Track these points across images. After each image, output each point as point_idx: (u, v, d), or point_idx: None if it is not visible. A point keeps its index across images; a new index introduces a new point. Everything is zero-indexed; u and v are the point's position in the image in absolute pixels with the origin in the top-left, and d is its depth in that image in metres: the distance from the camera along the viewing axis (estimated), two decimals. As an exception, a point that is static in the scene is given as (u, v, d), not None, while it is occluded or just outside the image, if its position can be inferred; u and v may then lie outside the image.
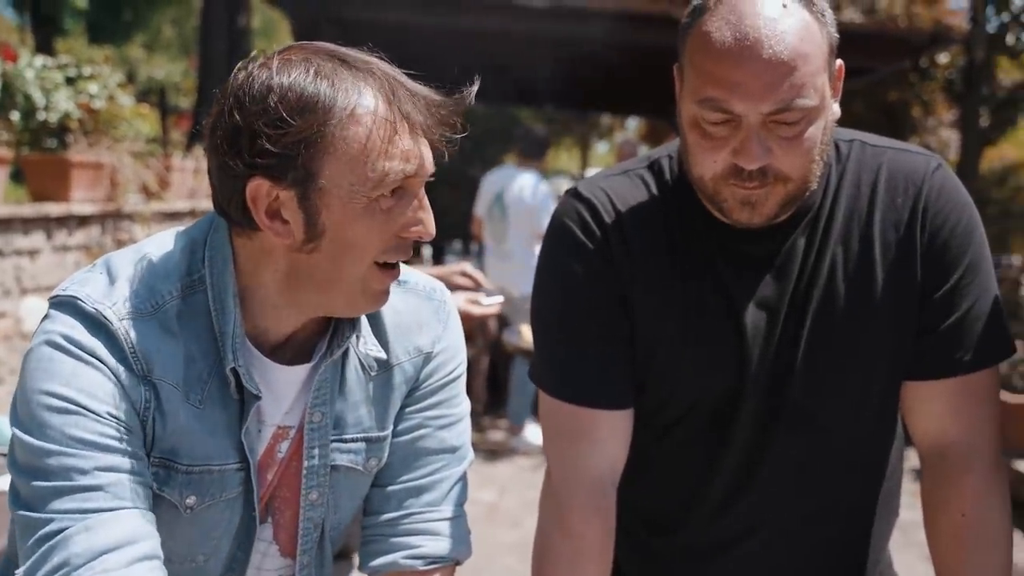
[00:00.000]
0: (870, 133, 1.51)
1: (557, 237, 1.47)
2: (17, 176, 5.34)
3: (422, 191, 1.21)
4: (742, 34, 1.25)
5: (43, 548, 1.10)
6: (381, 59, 1.20)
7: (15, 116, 5.07)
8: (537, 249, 1.57)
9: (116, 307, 1.17)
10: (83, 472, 1.12)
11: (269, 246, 1.20)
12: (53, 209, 4.71)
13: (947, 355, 1.39)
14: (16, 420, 1.16)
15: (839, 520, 1.51)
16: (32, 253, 4.59)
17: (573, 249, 1.44)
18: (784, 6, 1.27)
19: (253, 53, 1.20)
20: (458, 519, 1.40)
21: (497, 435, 6.41)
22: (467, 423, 1.43)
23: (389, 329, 1.35)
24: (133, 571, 1.10)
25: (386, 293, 1.25)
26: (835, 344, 1.39)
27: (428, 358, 1.37)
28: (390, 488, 1.38)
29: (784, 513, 1.47)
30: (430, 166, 1.19)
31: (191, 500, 1.22)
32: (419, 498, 1.37)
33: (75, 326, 1.16)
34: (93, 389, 1.14)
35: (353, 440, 1.33)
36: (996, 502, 1.39)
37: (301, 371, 1.28)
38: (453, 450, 1.40)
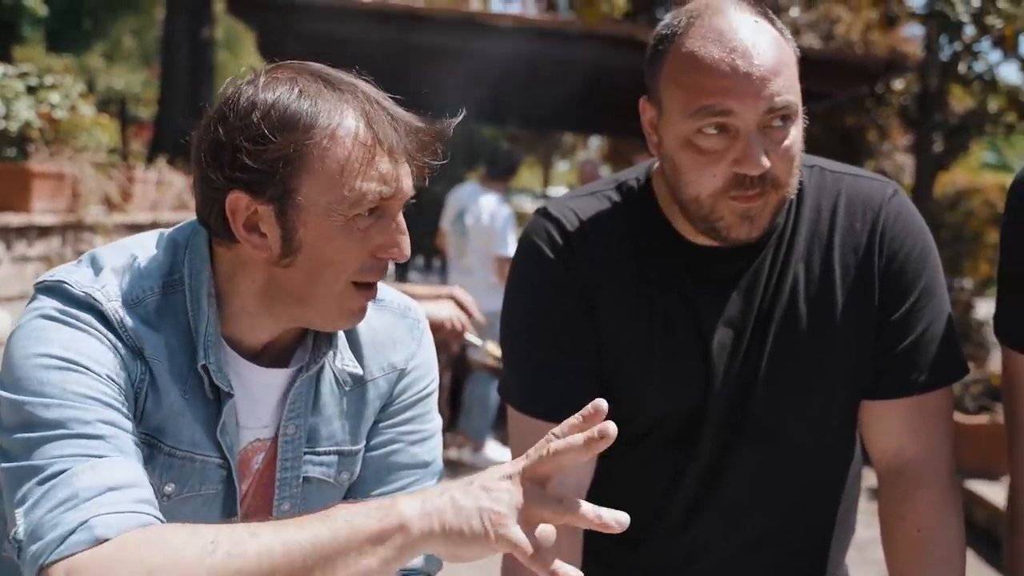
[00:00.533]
0: (827, 157, 1.56)
1: (526, 254, 1.50)
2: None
3: (399, 214, 1.22)
4: (729, 46, 1.31)
5: (46, 487, 1.06)
6: (367, 82, 1.22)
7: (-26, 125, 5.01)
8: (496, 268, 1.59)
9: (105, 290, 1.18)
10: (85, 422, 1.10)
11: (247, 257, 1.22)
12: (13, 219, 4.66)
13: (903, 375, 1.43)
14: (2, 385, 1.14)
15: (798, 536, 1.55)
16: (-9, 263, 4.54)
17: (541, 266, 1.47)
18: (756, 22, 1.34)
19: (243, 69, 1.23)
20: None
21: (458, 452, 6.41)
22: (439, 439, 1.45)
23: (364, 345, 1.37)
24: (140, 509, 1.07)
25: (362, 311, 1.26)
26: (796, 363, 1.43)
27: (402, 374, 1.39)
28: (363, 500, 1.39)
29: (745, 529, 1.51)
30: (408, 189, 1.21)
31: (170, 488, 1.22)
32: None
33: (65, 304, 1.17)
34: (93, 353, 1.14)
35: (326, 453, 1.35)
36: (951, 517, 1.44)
37: (278, 375, 1.30)
38: (425, 465, 1.41)
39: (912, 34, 10.29)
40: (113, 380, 1.15)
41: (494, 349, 2.79)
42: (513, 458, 1.51)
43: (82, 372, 1.13)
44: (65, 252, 5.17)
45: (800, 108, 1.36)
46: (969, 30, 6.72)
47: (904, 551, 1.44)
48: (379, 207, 1.19)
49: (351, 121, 1.16)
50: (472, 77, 8.91)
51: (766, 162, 1.32)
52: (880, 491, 1.49)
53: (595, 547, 1.55)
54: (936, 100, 7.90)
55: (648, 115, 1.40)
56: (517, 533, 1.02)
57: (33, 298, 1.21)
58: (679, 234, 1.44)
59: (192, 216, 1.28)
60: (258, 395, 1.29)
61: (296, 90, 1.16)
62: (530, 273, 1.49)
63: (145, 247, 1.26)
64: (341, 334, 1.33)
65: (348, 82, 1.20)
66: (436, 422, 1.45)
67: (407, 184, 1.21)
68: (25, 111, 5.09)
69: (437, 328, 2.20)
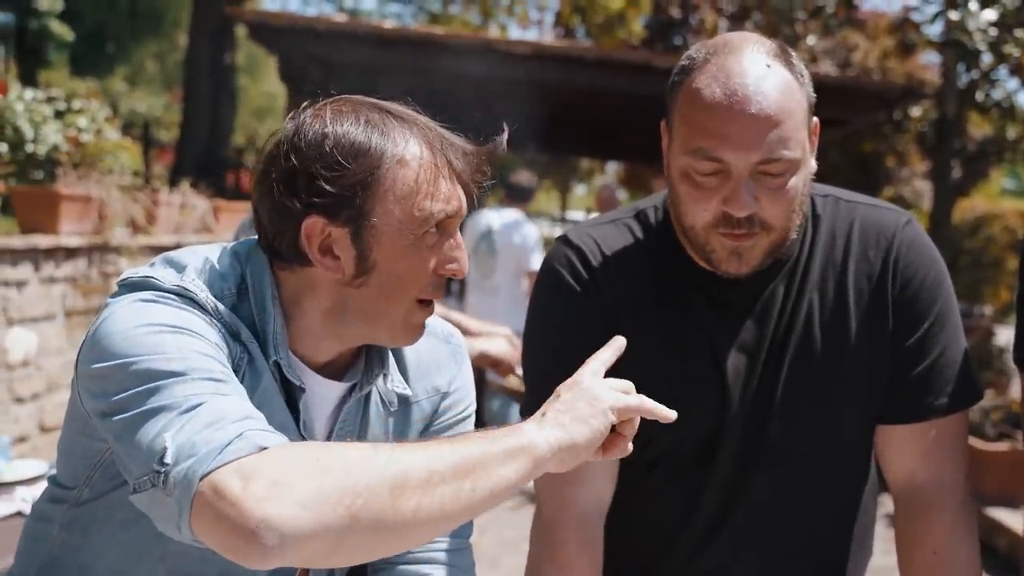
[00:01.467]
0: (845, 183, 1.59)
1: (548, 281, 1.54)
2: (4, 208, 5.36)
3: (458, 232, 1.30)
4: (731, 90, 1.33)
5: (188, 416, 1.03)
6: (419, 112, 1.30)
7: (3, 148, 5.10)
8: (524, 285, 1.64)
9: (195, 283, 1.22)
10: (209, 371, 1.09)
11: (315, 280, 1.26)
12: (42, 241, 4.73)
13: (918, 400, 1.46)
14: (101, 357, 1.12)
15: (814, 557, 1.57)
16: (19, 284, 4.60)
17: (563, 292, 1.51)
18: (768, 66, 1.35)
19: (304, 104, 1.29)
20: (463, 551, 1.45)
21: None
22: None
23: (411, 368, 1.42)
24: (277, 437, 1.03)
25: (423, 328, 1.33)
26: (811, 388, 1.46)
27: (444, 397, 1.45)
28: None
29: (761, 550, 1.53)
30: (464, 208, 1.29)
31: None
32: None
33: (157, 294, 1.19)
34: (199, 328, 1.16)
35: None
36: (966, 539, 1.46)
37: (334, 387, 1.34)
38: None
39: (929, 61, 10.31)
40: (221, 350, 1.17)
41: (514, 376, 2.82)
42: (536, 480, 1.54)
43: (195, 336, 1.14)
44: (91, 273, 5.24)
45: (804, 155, 1.37)
46: (986, 58, 6.74)
47: (921, 572, 1.46)
48: (442, 224, 1.26)
49: (416, 147, 1.24)
50: (489, 102, 8.98)
51: (752, 206, 1.35)
52: (896, 514, 1.51)
53: (616, 567, 1.58)
54: (954, 127, 7.90)
55: (664, 139, 1.45)
56: (627, 400, 1.22)
57: (116, 294, 1.22)
58: (695, 261, 1.48)
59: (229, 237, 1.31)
60: (317, 404, 1.33)
61: (363, 120, 1.23)
62: (552, 299, 1.53)
63: (214, 254, 1.30)
64: (392, 357, 1.39)
65: (406, 112, 1.28)
66: None
67: (464, 203, 1.28)
68: (53, 135, 5.17)
69: (495, 364, 2.28)
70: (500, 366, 2.30)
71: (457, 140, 1.29)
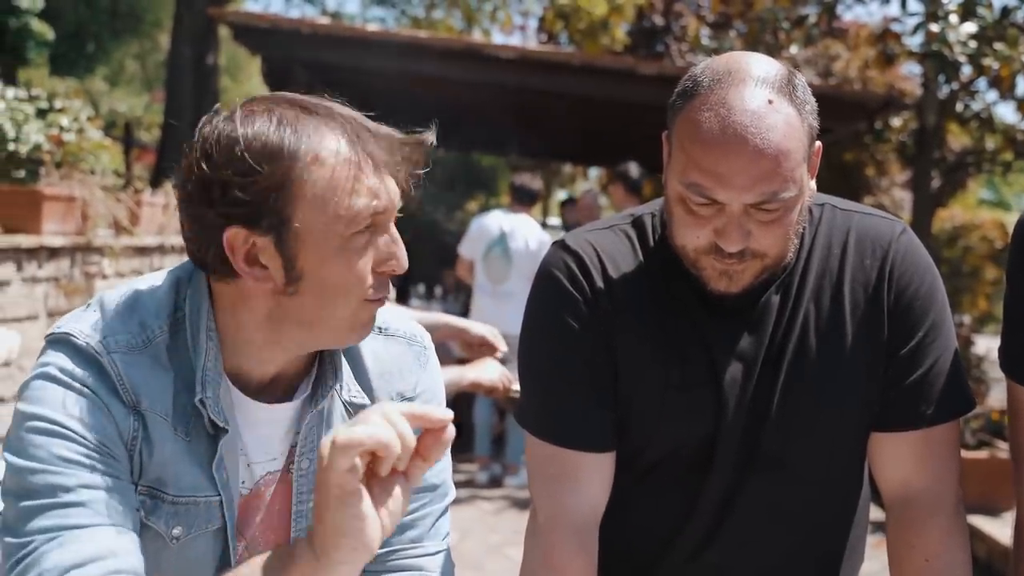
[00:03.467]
0: (826, 192, 1.60)
1: (545, 287, 1.54)
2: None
3: (392, 227, 1.24)
4: (729, 129, 1.31)
5: (17, 569, 1.10)
6: (342, 104, 1.24)
7: (-16, 147, 5.04)
8: None
9: (107, 341, 1.21)
10: (66, 489, 1.14)
11: (248, 290, 1.23)
12: (24, 241, 4.68)
13: (912, 408, 1.47)
14: (8, 446, 1.19)
15: (810, 563, 1.58)
16: (2, 284, 4.55)
17: (560, 298, 1.51)
18: (770, 102, 1.33)
19: (216, 106, 1.24)
20: (441, 555, 1.44)
21: (458, 477, 6.43)
22: (448, 461, 1.47)
23: (372, 376, 1.39)
24: None
25: (372, 322, 1.28)
26: (806, 395, 1.47)
27: (408, 400, 1.41)
28: None
29: (756, 556, 1.54)
30: (397, 202, 1.23)
31: (177, 531, 1.25)
32: (403, 535, 1.40)
33: (68, 360, 1.20)
34: (82, 415, 1.17)
35: None
36: (958, 547, 1.47)
37: (283, 410, 1.32)
38: (434, 488, 1.44)
39: (910, 72, 10.40)
40: (103, 444, 1.17)
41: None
42: (531, 483, 1.54)
43: (69, 436, 1.16)
44: (74, 274, 5.19)
45: (801, 189, 1.36)
46: (966, 70, 6.81)
47: (912, 580, 1.47)
48: (372, 223, 1.21)
49: (332, 142, 1.18)
50: (473, 107, 8.99)
51: (744, 242, 1.35)
52: (888, 521, 1.52)
53: (610, 572, 1.58)
54: (934, 137, 7.98)
55: (664, 150, 1.45)
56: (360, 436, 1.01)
57: (43, 350, 1.23)
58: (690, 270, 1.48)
59: None
60: (265, 431, 1.31)
61: (274, 119, 1.17)
62: (548, 305, 1.53)
63: (152, 287, 1.28)
64: (346, 367, 1.35)
65: (324, 106, 1.22)
66: None
67: (395, 196, 1.23)
68: (35, 134, 5.13)
69: (490, 391, 2.30)
70: (495, 392, 2.31)
71: (382, 130, 1.23)
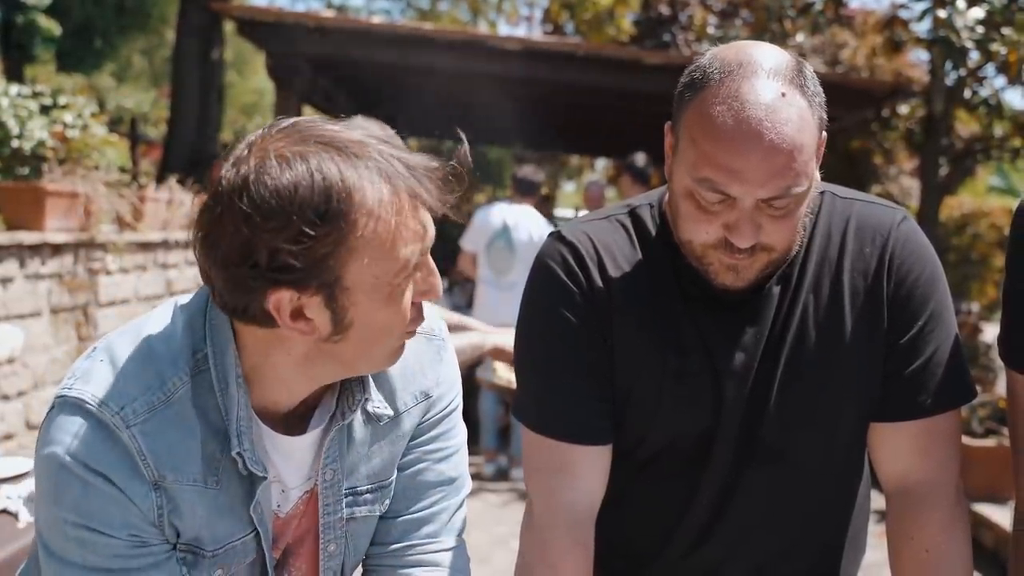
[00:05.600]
0: (833, 180, 1.58)
1: (540, 278, 1.53)
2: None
3: (429, 256, 1.21)
4: (744, 123, 1.28)
5: None
6: (368, 131, 1.18)
7: (-12, 144, 5.05)
8: None
9: (124, 412, 1.16)
10: None
11: (286, 336, 1.18)
12: (27, 237, 4.69)
13: (912, 398, 1.45)
14: (38, 525, 1.20)
15: (809, 556, 1.57)
16: (5, 281, 4.56)
17: (555, 290, 1.49)
18: (783, 95, 1.30)
19: (236, 146, 1.15)
20: (457, 548, 1.45)
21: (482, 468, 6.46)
22: (464, 453, 1.47)
23: (395, 379, 1.37)
24: None
25: (403, 347, 1.27)
26: (806, 386, 1.45)
27: (430, 398, 1.41)
28: (392, 520, 1.41)
29: (756, 548, 1.53)
30: (433, 232, 1.20)
31: (219, 573, 1.25)
32: (420, 530, 1.41)
33: (81, 438, 1.15)
34: (102, 515, 1.15)
35: (368, 491, 1.37)
36: (959, 537, 1.45)
37: (312, 437, 1.30)
38: (451, 481, 1.44)
39: (917, 59, 10.33)
40: (133, 535, 1.16)
41: (503, 371, 2.82)
42: (527, 476, 1.53)
43: (96, 540, 1.15)
44: (77, 270, 5.20)
45: (811, 182, 1.34)
46: (974, 56, 6.76)
47: (912, 571, 1.46)
48: (416, 263, 1.19)
49: (376, 191, 1.12)
50: (479, 99, 8.97)
51: (755, 237, 1.34)
52: (888, 512, 1.51)
53: (607, 566, 1.57)
54: (941, 125, 7.92)
55: (668, 141, 1.42)
56: None
57: (54, 413, 1.18)
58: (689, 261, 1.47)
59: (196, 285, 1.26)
60: (297, 458, 1.30)
61: (316, 173, 1.10)
62: (544, 296, 1.51)
63: (162, 327, 1.23)
64: (370, 380, 1.33)
65: (357, 141, 1.15)
66: (460, 437, 1.48)
67: (432, 229, 1.20)
68: (39, 131, 5.13)
69: (511, 358, 2.28)
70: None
71: (418, 160, 1.17)
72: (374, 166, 1.13)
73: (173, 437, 1.18)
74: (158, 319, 1.24)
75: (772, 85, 1.31)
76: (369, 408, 1.33)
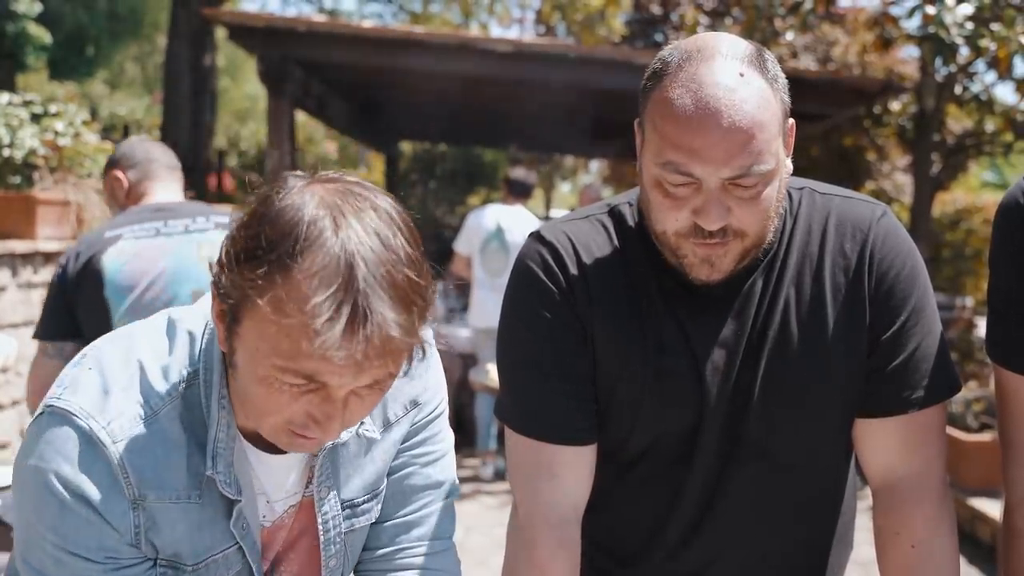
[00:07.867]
0: (826, 177, 1.58)
1: (521, 279, 1.52)
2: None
3: (344, 399, 1.11)
4: (703, 103, 1.30)
5: None
6: (386, 241, 1.09)
7: (-22, 153, 5.04)
8: None
9: (111, 426, 1.16)
10: None
11: None
12: (18, 246, 4.68)
13: (896, 393, 1.45)
14: (19, 532, 1.19)
15: (797, 553, 1.57)
16: (-4, 290, 4.56)
17: (536, 290, 1.49)
18: (741, 75, 1.32)
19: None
20: (447, 552, 1.45)
21: (462, 473, 6.43)
22: (451, 455, 1.47)
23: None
24: None
25: (304, 448, 1.19)
26: (789, 383, 1.45)
27: (417, 404, 1.41)
28: (381, 524, 1.42)
29: (743, 546, 1.52)
30: (362, 382, 1.09)
31: None
32: (409, 533, 1.41)
33: (66, 454, 1.14)
34: (78, 537, 1.15)
35: (365, 502, 1.37)
36: (945, 532, 1.45)
37: (296, 456, 1.30)
38: (439, 485, 1.44)
39: (909, 55, 10.34)
40: (110, 558, 1.16)
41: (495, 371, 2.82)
42: (511, 477, 1.53)
43: (74, 558, 1.15)
44: (69, 278, 5.18)
45: (779, 164, 1.34)
46: (964, 52, 6.77)
47: (898, 567, 1.46)
48: (317, 385, 1.09)
49: (329, 325, 1.02)
50: (472, 101, 8.98)
51: (723, 219, 1.34)
52: (874, 507, 1.51)
53: (594, 566, 1.57)
54: (933, 120, 7.94)
55: (637, 139, 1.43)
56: None
57: (40, 423, 1.18)
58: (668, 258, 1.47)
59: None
60: (281, 474, 1.30)
61: (306, 215, 1.06)
62: (525, 297, 1.51)
63: (155, 340, 1.23)
64: None
65: (349, 265, 1.05)
66: (447, 440, 1.47)
67: (356, 380, 1.08)
68: (30, 139, 5.12)
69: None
70: None
71: (386, 319, 1.05)
72: (346, 297, 1.03)
73: (158, 452, 1.18)
74: (149, 335, 1.25)
75: (730, 66, 1.32)
76: (360, 430, 1.33)
